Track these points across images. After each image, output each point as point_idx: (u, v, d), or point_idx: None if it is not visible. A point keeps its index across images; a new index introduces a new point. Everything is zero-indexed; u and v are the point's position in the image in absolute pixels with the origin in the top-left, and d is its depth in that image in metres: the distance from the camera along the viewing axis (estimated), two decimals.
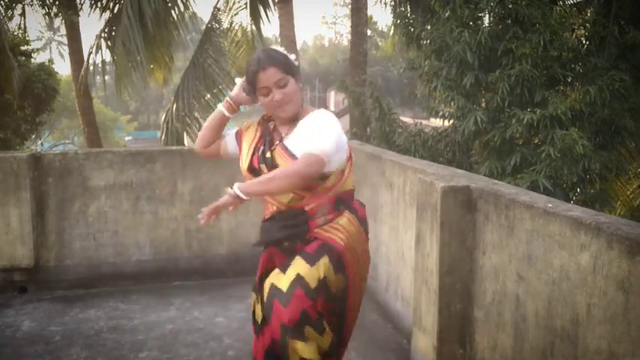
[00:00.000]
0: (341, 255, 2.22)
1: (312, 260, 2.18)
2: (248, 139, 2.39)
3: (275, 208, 2.31)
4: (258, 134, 2.38)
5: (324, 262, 2.18)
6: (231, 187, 2.13)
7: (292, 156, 2.20)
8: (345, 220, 2.28)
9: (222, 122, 2.46)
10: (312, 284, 2.15)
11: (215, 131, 2.47)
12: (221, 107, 2.43)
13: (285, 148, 2.23)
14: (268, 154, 2.27)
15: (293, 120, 2.29)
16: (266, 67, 2.19)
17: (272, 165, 2.23)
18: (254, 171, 2.28)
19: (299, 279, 2.15)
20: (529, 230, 2.38)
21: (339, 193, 2.29)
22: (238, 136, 2.46)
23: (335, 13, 67.96)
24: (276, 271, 2.24)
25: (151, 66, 10.80)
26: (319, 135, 2.17)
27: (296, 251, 2.24)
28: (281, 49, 2.35)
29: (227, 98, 2.44)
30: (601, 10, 6.87)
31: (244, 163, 2.34)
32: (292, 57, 2.32)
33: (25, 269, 4.53)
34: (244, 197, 2.12)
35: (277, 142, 2.28)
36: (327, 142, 2.16)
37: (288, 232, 2.29)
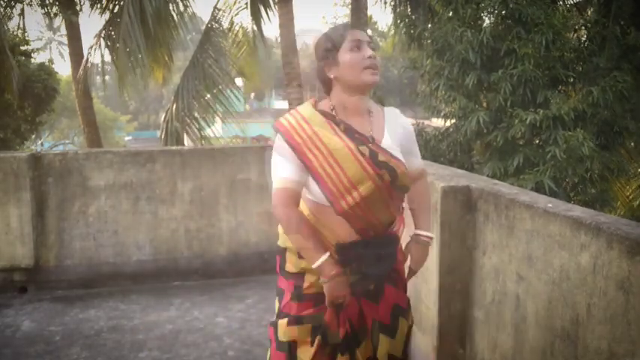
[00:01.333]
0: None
1: (407, 315, 2.07)
2: (332, 140, 1.87)
3: (364, 229, 1.90)
4: (339, 130, 1.90)
5: (410, 312, 2.11)
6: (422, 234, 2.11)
7: (400, 161, 1.93)
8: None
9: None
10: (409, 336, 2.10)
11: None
12: (318, 263, 1.87)
13: (389, 153, 1.92)
14: (381, 157, 1.89)
15: (365, 111, 1.96)
16: (356, 29, 1.94)
17: (391, 170, 1.88)
18: (379, 175, 1.86)
19: (408, 340, 2.06)
20: (529, 230, 2.38)
21: None
22: (296, 147, 1.87)
23: (335, 13, 67.90)
24: (384, 338, 1.98)
25: (151, 65, 10.79)
26: (416, 142, 2.10)
27: (386, 294, 1.99)
28: None
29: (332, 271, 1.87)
30: (601, 10, 6.87)
31: (353, 169, 1.84)
32: None
33: (25, 269, 4.53)
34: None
35: (370, 143, 1.91)
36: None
37: (390, 265, 2.00)
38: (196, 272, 4.84)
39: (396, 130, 2.00)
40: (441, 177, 3.08)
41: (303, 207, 1.97)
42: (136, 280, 4.71)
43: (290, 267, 2.03)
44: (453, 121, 7.05)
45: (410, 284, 3.51)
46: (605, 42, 6.52)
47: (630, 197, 8.78)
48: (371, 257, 1.92)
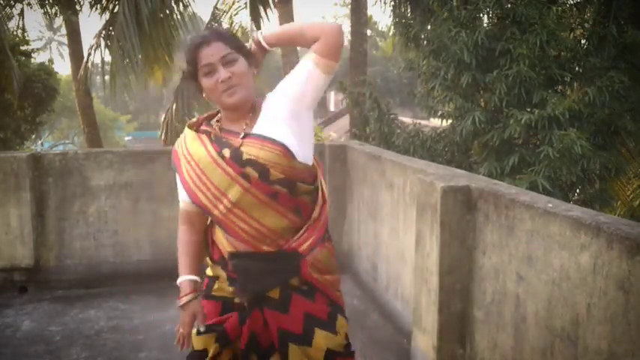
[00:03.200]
0: (342, 308, 2.02)
1: (331, 328, 1.91)
2: (198, 152, 1.85)
3: (252, 239, 1.84)
4: (209, 141, 1.86)
5: (340, 323, 1.96)
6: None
7: (270, 140, 1.79)
8: (328, 255, 1.96)
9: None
10: (342, 349, 1.94)
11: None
12: (178, 281, 2.11)
13: (258, 136, 1.81)
14: (244, 150, 1.79)
15: (246, 113, 1.87)
16: (210, 41, 1.80)
17: (257, 164, 1.77)
18: (242, 175, 1.79)
19: (331, 355, 1.89)
20: (529, 230, 2.38)
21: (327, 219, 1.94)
22: (177, 168, 1.94)
23: (335, 13, 67.87)
24: (294, 347, 1.87)
25: (150, 66, 10.79)
26: (294, 75, 1.87)
27: (294, 303, 1.88)
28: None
29: (188, 292, 2.07)
30: (600, 10, 6.87)
31: (216, 176, 1.81)
32: (247, 44, 1.94)
33: (25, 269, 4.53)
34: (267, 47, 1.87)
35: (241, 137, 1.84)
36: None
37: (281, 280, 1.88)
38: None
39: (270, 105, 1.87)
40: (441, 177, 3.08)
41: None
42: (136, 280, 4.71)
43: (208, 270, 2.09)
44: (450, 121, 7.06)
45: (410, 284, 3.52)
46: (603, 41, 6.53)
47: (630, 197, 8.79)
48: (255, 272, 1.86)
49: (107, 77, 9.86)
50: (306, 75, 1.83)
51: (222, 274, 1.97)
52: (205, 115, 2.01)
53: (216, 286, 2.01)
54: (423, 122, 9.38)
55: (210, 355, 1.94)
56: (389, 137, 7.44)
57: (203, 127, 1.92)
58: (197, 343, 1.99)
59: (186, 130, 1.95)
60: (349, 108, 8.67)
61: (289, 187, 1.81)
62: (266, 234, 1.83)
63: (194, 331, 2.00)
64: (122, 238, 4.73)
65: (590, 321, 2.01)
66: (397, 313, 3.86)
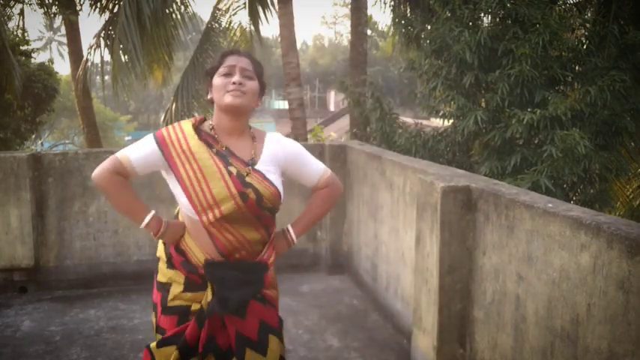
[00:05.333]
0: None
1: (279, 336, 2.07)
2: (203, 158, 1.94)
3: (231, 246, 1.96)
4: (213, 151, 1.97)
5: (282, 334, 2.11)
6: (288, 233, 2.15)
7: (271, 183, 1.98)
8: (274, 271, 2.16)
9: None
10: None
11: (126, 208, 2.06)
12: (145, 222, 2.02)
13: (262, 174, 1.98)
14: (248, 179, 1.95)
15: (241, 134, 2.04)
16: (242, 54, 2.05)
17: (256, 191, 1.94)
18: (242, 195, 1.92)
19: None
20: (529, 230, 2.38)
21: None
22: (169, 159, 1.97)
23: (335, 13, 67.95)
24: (250, 353, 1.95)
25: (149, 66, 10.79)
26: (310, 158, 2.17)
27: (251, 309, 1.99)
28: None
29: (160, 225, 2.02)
30: (601, 10, 6.87)
31: (218, 188, 1.91)
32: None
33: (25, 269, 4.53)
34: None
35: (249, 167, 1.98)
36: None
37: (253, 292, 2.01)
38: None
39: (275, 153, 2.06)
40: (441, 177, 3.08)
41: (184, 220, 2.05)
42: (136, 280, 4.71)
43: (160, 277, 2.08)
44: (452, 121, 7.05)
45: (410, 284, 3.52)
46: (604, 41, 6.52)
47: (630, 197, 8.78)
48: (232, 282, 1.95)
49: (107, 77, 9.86)
50: (311, 178, 2.18)
51: (179, 278, 2.01)
52: (198, 118, 2.09)
53: (170, 296, 2.02)
54: (424, 122, 9.37)
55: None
56: (390, 137, 7.44)
57: (204, 135, 2.01)
58: (159, 355, 2.04)
59: (187, 126, 2.01)
60: (350, 108, 8.66)
61: (272, 212, 2.05)
62: (244, 245, 1.98)
63: (153, 344, 2.06)
64: (122, 238, 4.73)
65: (590, 321, 2.00)
66: (397, 313, 3.86)
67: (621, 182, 8.27)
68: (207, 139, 2.00)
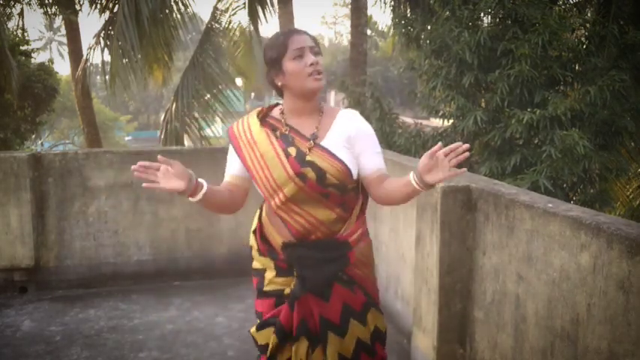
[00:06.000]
0: (376, 301, 2.12)
1: (362, 319, 2.03)
2: (264, 144, 1.98)
3: (303, 229, 1.98)
4: (273, 136, 1.99)
5: (372, 316, 2.06)
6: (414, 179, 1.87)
7: (337, 159, 1.94)
8: (369, 248, 2.12)
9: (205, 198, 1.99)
10: (368, 341, 2.04)
11: (217, 204, 2.03)
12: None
13: (327, 150, 1.95)
14: (309, 157, 1.93)
15: (313, 111, 2.01)
16: (301, 31, 1.98)
17: (318, 169, 1.92)
18: (300, 175, 1.92)
19: (360, 345, 2.02)
20: (529, 230, 2.38)
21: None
22: (238, 151, 2.04)
23: (335, 13, 67.91)
24: (332, 336, 1.99)
25: (149, 66, 10.79)
26: (378, 146, 2.04)
27: (334, 293, 1.99)
28: None
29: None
30: (601, 10, 6.87)
31: (277, 171, 1.93)
32: None
33: (25, 269, 4.53)
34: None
35: (311, 142, 1.96)
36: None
37: (335, 270, 1.99)
38: (196, 272, 4.84)
39: (346, 130, 1.99)
40: None
41: (263, 207, 2.11)
42: (136, 280, 4.72)
43: (255, 263, 2.13)
44: (452, 121, 7.05)
45: (410, 284, 3.51)
46: (604, 41, 6.52)
47: (630, 197, 8.78)
48: (310, 260, 1.97)
49: (107, 77, 9.85)
50: (370, 165, 2.01)
51: (270, 264, 2.06)
52: (268, 106, 2.11)
53: (265, 281, 2.07)
54: (424, 122, 9.37)
55: (270, 347, 2.02)
56: (390, 137, 7.44)
57: (269, 120, 2.04)
58: (259, 338, 2.08)
59: (252, 117, 2.06)
60: (349, 108, 8.66)
61: (340, 189, 1.97)
62: (316, 225, 1.97)
63: (253, 328, 2.11)
64: (122, 238, 4.73)
65: (590, 321, 2.00)
66: (397, 313, 3.86)
67: (621, 182, 8.27)
68: (275, 123, 2.01)
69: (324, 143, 1.96)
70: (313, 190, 1.93)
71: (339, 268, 1.99)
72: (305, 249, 1.97)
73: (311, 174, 1.91)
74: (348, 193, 2.01)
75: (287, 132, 1.99)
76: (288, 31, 2.00)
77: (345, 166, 1.94)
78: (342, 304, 1.99)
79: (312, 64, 1.91)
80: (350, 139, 1.98)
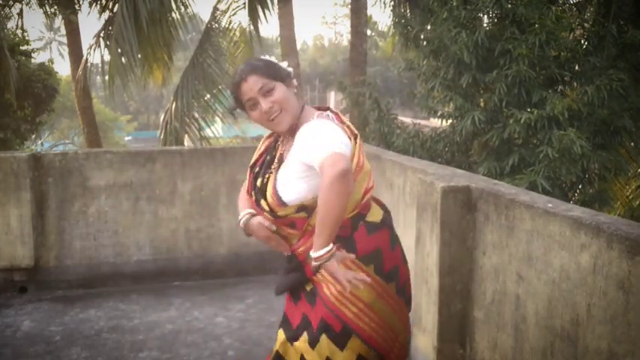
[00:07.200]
0: (345, 326, 1.95)
1: (314, 341, 1.97)
2: (256, 154, 2.15)
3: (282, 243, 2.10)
4: (263, 148, 2.13)
5: (324, 342, 1.96)
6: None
7: (273, 187, 1.95)
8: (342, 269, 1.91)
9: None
10: None
11: None
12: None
13: (275, 178, 1.98)
14: (259, 182, 2.01)
15: (293, 134, 1.98)
16: (246, 76, 1.94)
17: (266, 201, 1.97)
18: (258, 207, 2.02)
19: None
20: (529, 230, 2.38)
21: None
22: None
23: (335, 13, 68.00)
24: (282, 338, 2.07)
25: (149, 66, 10.79)
26: (312, 141, 1.85)
27: (301, 305, 2.05)
28: (267, 57, 2.07)
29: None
30: (600, 10, 6.87)
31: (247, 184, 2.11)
32: (283, 64, 2.04)
33: (25, 269, 4.54)
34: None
35: (274, 166, 2.03)
36: (330, 139, 1.81)
37: (295, 279, 2.07)
38: (196, 272, 4.84)
39: (295, 146, 1.94)
40: (441, 177, 3.08)
41: None
42: (136, 280, 4.72)
43: None
44: (450, 121, 7.05)
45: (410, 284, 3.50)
46: (603, 41, 6.52)
47: (630, 197, 8.78)
48: (282, 269, 2.14)
49: (107, 77, 9.85)
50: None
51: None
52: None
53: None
54: (423, 122, 9.38)
55: (278, 339, 2.11)
56: (389, 137, 7.43)
57: (273, 144, 2.15)
58: (279, 335, 2.15)
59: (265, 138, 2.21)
60: (349, 108, 8.66)
61: (281, 217, 2.00)
62: (286, 240, 2.06)
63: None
64: (122, 238, 4.73)
65: (590, 321, 2.01)
66: None
67: (620, 182, 8.27)
68: (273, 146, 2.12)
69: (282, 166, 2.00)
70: (268, 219, 2.02)
71: (296, 278, 2.06)
72: (285, 259, 2.12)
73: (264, 206, 1.99)
74: (291, 216, 1.98)
75: (267, 158, 2.09)
76: (237, 76, 1.97)
77: (275, 194, 1.95)
78: (301, 314, 2.05)
79: (265, 112, 1.94)
80: (300, 148, 1.90)
